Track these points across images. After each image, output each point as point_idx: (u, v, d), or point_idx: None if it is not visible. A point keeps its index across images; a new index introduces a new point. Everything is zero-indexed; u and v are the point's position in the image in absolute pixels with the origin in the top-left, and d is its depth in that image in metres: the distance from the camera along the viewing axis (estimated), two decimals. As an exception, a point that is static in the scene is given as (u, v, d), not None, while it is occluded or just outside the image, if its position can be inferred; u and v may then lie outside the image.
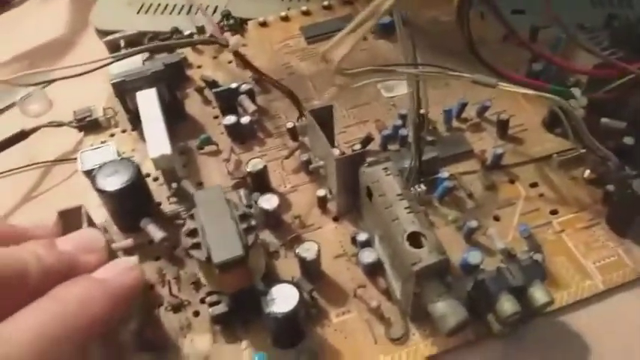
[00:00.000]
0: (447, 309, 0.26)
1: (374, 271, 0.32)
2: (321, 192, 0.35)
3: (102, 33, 0.49)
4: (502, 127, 0.38)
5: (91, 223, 0.28)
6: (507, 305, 0.27)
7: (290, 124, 0.39)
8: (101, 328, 0.23)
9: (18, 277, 0.21)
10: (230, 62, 0.47)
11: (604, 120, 0.35)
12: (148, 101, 0.37)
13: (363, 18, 0.29)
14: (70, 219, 0.27)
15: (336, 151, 0.34)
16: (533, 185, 0.36)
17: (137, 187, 0.33)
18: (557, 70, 0.39)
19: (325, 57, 0.29)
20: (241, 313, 0.30)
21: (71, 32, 0.53)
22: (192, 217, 0.29)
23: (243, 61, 0.42)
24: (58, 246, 0.24)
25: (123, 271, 0.25)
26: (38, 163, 0.41)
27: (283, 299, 0.27)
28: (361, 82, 0.31)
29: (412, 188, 0.33)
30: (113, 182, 0.32)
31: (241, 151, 0.40)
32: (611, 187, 0.33)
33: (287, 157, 0.39)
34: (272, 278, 0.31)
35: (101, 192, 0.32)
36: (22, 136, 0.40)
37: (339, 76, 0.30)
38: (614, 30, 0.42)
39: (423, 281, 0.26)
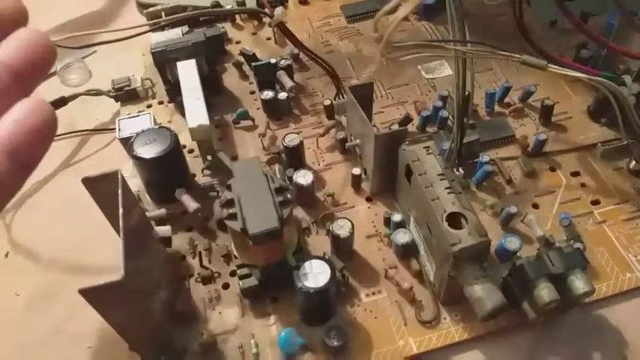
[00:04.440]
0: (484, 293, 0.26)
1: (407, 252, 0.31)
2: (357, 170, 0.35)
3: (142, 6, 0.50)
4: (546, 113, 0.37)
5: (127, 189, 0.28)
6: (545, 292, 0.26)
7: (327, 102, 0.39)
8: None
9: None
10: (269, 39, 0.46)
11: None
12: (188, 71, 0.37)
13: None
14: (106, 184, 0.27)
15: (375, 130, 0.34)
16: (575, 174, 0.35)
17: (174, 156, 0.33)
18: (606, 58, 0.38)
19: (377, 24, 0.28)
20: (271, 288, 0.30)
21: (112, 4, 0.53)
22: (229, 187, 0.28)
23: (286, 34, 0.41)
24: None
25: None
26: (76, 132, 0.42)
27: (315, 274, 0.27)
28: (407, 55, 0.30)
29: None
30: (150, 150, 0.32)
31: (277, 127, 0.40)
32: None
33: (322, 135, 0.38)
34: (303, 254, 0.31)
35: (137, 159, 0.32)
36: (62, 102, 0.40)
37: (384, 49, 0.29)
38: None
39: (460, 263, 0.26)
